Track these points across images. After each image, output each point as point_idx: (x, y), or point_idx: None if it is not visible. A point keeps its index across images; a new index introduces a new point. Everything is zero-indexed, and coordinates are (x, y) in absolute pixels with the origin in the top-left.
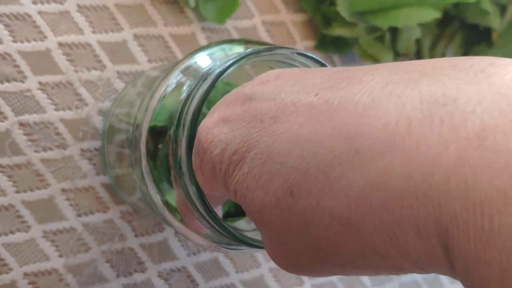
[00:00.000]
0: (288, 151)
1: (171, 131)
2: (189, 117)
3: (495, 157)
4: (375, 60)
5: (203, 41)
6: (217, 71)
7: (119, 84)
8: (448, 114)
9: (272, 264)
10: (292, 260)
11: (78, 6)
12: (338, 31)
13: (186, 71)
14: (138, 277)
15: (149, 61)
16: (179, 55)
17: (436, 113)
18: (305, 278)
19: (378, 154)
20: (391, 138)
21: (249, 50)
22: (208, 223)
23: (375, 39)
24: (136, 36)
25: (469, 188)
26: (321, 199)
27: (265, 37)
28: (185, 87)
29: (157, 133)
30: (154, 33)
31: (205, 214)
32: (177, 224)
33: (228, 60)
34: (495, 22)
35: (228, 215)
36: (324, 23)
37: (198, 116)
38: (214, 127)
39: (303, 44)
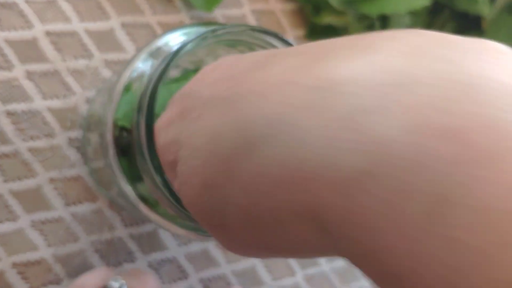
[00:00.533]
0: (202, 145)
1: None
2: (146, 100)
3: (357, 137)
4: None
5: None
6: (174, 50)
7: (107, 73)
8: (325, 99)
9: None
10: (230, 247)
11: None
12: (327, 19)
13: (152, 54)
14: (128, 267)
15: (137, 49)
16: None
17: (315, 99)
18: (296, 269)
19: (263, 143)
20: (275, 127)
21: (207, 29)
22: (176, 208)
23: (365, 28)
24: (123, 25)
25: (334, 171)
26: (227, 191)
27: (253, 23)
28: (148, 71)
29: (125, 130)
30: (142, 22)
31: (170, 198)
32: (152, 216)
33: (186, 41)
34: (485, 10)
35: None
36: (314, 12)
37: (154, 98)
38: (161, 130)
39: (293, 33)
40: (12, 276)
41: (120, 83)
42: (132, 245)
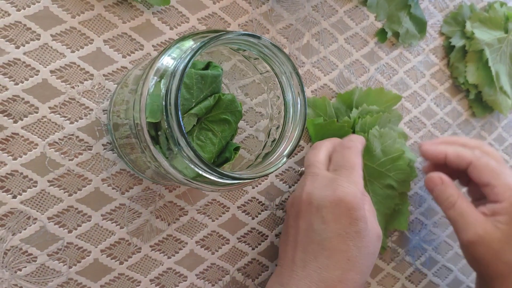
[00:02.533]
0: None
1: (163, 120)
2: (173, 108)
3: None
4: None
5: (158, 24)
6: (181, 68)
7: (109, 84)
8: None
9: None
10: None
11: (52, 35)
12: None
13: (158, 73)
14: (184, 219)
15: (124, 56)
16: (144, 42)
17: None
18: None
19: None
20: None
21: (197, 44)
22: (203, 169)
23: None
24: (105, 41)
25: None
26: None
27: (207, 2)
28: (162, 86)
29: (152, 124)
30: (118, 33)
31: (200, 164)
32: (184, 180)
33: (185, 58)
34: None
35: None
36: None
37: (178, 106)
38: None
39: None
40: (103, 259)
41: (143, 94)
42: (180, 202)
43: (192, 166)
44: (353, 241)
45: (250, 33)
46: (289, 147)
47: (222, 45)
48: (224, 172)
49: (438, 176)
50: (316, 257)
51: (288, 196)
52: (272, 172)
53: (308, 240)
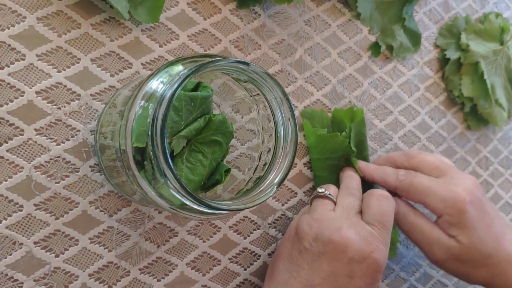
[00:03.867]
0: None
1: (149, 149)
2: (159, 138)
3: None
4: (289, 0)
5: (147, 42)
6: (168, 95)
7: (96, 104)
8: None
9: None
10: None
11: (37, 55)
12: None
13: (146, 96)
14: (174, 241)
15: (112, 75)
16: (133, 60)
17: None
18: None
19: None
20: None
21: (185, 70)
22: (190, 200)
23: None
24: (93, 60)
25: None
26: None
27: (193, 15)
28: (150, 111)
29: (138, 149)
30: (105, 51)
31: (187, 195)
32: (171, 209)
33: (173, 84)
34: None
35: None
36: None
37: (164, 136)
38: None
39: (227, 7)
40: (92, 283)
41: (130, 119)
42: (170, 223)
43: (179, 197)
44: None
45: (239, 60)
46: (279, 175)
47: (211, 72)
48: (212, 204)
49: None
50: None
51: (282, 215)
52: (261, 203)
53: (326, 286)
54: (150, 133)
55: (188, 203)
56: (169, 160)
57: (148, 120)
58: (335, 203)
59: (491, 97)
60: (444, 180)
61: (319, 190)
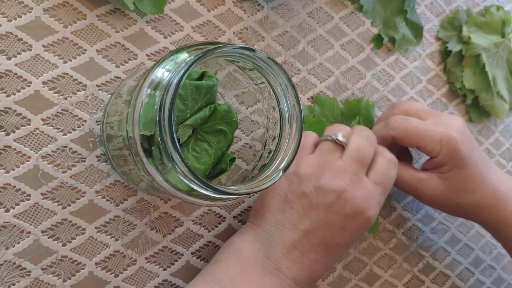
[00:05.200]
0: None
1: (157, 134)
2: (167, 123)
3: None
4: None
5: (151, 33)
6: (175, 81)
7: (102, 95)
8: None
9: None
10: None
11: (43, 46)
12: None
13: (152, 84)
14: (180, 230)
15: (117, 66)
16: (138, 51)
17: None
18: None
19: None
20: None
21: (192, 57)
22: (198, 184)
23: None
24: (98, 51)
25: None
26: None
27: (197, 7)
28: (157, 98)
29: (146, 136)
30: (111, 42)
31: (194, 179)
32: (178, 194)
33: (179, 71)
34: None
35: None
36: None
37: (172, 121)
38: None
39: (232, 1)
40: (98, 272)
41: (137, 107)
42: (176, 213)
43: (187, 182)
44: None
45: (245, 46)
46: (285, 160)
47: (216, 58)
48: (219, 188)
49: None
50: (316, 251)
51: None
52: (268, 187)
53: (317, 233)
54: (157, 119)
55: (195, 187)
56: (177, 144)
57: (156, 106)
58: (344, 148)
59: (492, 89)
60: (434, 122)
61: (339, 136)
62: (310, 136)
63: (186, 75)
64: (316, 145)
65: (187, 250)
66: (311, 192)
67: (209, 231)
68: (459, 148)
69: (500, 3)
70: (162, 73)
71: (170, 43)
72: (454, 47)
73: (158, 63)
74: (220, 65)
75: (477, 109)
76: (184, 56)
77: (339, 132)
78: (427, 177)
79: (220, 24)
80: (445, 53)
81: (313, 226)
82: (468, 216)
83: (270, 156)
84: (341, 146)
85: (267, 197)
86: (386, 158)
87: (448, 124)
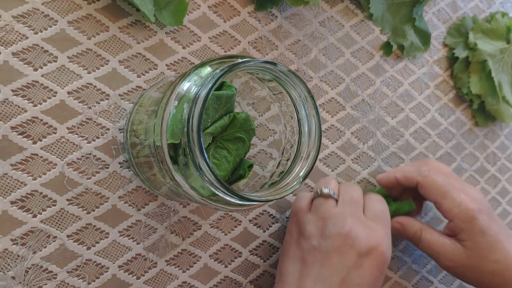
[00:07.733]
0: None
1: (184, 144)
2: (195, 134)
3: None
4: (305, 2)
5: (171, 44)
6: (203, 94)
7: (124, 104)
8: None
9: None
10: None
11: (68, 57)
12: None
13: (178, 97)
14: (198, 233)
15: (138, 76)
16: (158, 62)
17: None
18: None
19: None
20: None
21: (218, 71)
22: (223, 192)
23: None
24: (120, 62)
25: None
26: None
27: (214, 18)
28: (184, 109)
29: (171, 144)
30: (132, 53)
31: (220, 187)
32: (200, 200)
33: (207, 85)
34: None
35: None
36: None
37: (200, 132)
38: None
39: (246, 10)
40: (121, 274)
41: (165, 118)
42: (194, 217)
43: (212, 189)
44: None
45: (267, 60)
46: (304, 168)
47: (240, 71)
48: (244, 195)
49: (396, 221)
50: None
51: None
52: (289, 194)
53: (336, 278)
54: (186, 130)
55: (220, 194)
56: (205, 154)
57: (184, 117)
58: (336, 201)
59: (498, 94)
60: (458, 187)
61: (324, 190)
62: (304, 199)
63: (214, 87)
64: (310, 205)
65: (205, 252)
66: (319, 243)
67: (225, 234)
68: (476, 217)
69: (505, 10)
70: (187, 86)
71: (189, 53)
72: (461, 53)
73: (183, 77)
74: (236, 75)
75: (483, 113)
76: (207, 70)
77: (321, 186)
78: (451, 242)
79: (235, 34)
80: (452, 59)
81: (330, 272)
82: (489, 286)
83: (289, 164)
84: (334, 199)
85: (282, 263)
86: (372, 197)
87: (469, 192)
